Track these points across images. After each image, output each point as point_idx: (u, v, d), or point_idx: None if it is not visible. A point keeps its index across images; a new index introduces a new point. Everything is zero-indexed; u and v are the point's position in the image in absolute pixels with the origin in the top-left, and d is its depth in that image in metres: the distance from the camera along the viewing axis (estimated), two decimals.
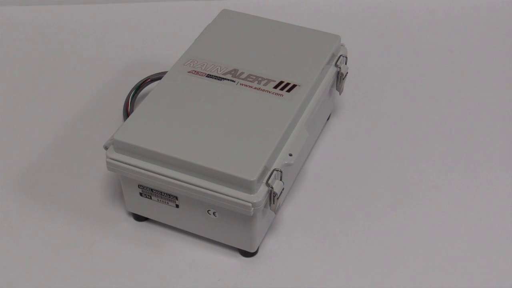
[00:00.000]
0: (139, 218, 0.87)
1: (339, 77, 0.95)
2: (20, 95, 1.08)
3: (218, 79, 0.87)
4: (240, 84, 0.86)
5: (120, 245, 0.85)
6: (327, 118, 1.02)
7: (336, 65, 0.93)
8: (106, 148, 0.81)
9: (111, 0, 1.28)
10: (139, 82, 1.02)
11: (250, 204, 0.74)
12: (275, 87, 0.86)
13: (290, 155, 0.80)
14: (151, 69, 1.06)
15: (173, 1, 1.29)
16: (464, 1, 1.27)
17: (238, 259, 0.83)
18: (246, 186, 0.74)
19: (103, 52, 1.17)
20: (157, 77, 1.02)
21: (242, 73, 0.88)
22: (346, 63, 0.96)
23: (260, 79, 0.87)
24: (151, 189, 0.81)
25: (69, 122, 1.02)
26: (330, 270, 0.82)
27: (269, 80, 0.87)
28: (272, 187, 0.76)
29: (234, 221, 0.78)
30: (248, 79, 0.87)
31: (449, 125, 1.02)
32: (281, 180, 0.78)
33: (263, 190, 0.75)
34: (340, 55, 0.94)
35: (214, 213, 0.79)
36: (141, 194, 0.82)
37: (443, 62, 1.15)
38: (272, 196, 0.77)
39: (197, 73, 0.88)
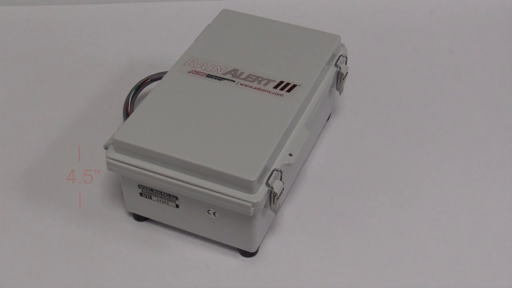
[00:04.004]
0: (139, 218, 0.87)
1: (339, 77, 0.95)
2: (20, 95, 1.08)
3: (218, 79, 0.87)
4: (240, 84, 0.86)
5: (120, 245, 0.85)
6: (327, 118, 1.02)
7: (336, 65, 0.94)
8: (106, 148, 0.81)
9: (111, 0, 1.28)
10: (139, 82, 1.02)
11: (250, 204, 0.74)
12: (275, 87, 0.86)
13: (290, 155, 0.80)
14: (151, 69, 1.06)
15: (173, 1, 1.29)
16: (464, 1, 1.27)
17: (238, 259, 0.83)
18: (246, 186, 0.74)
19: (103, 52, 1.17)
20: (157, 77, 1.02)
21: (242, 73, 0.88)
22: (346, 63, 0.96)
23: (260, 79, 0.87)
24: (151, 189, 0.81)
25: (69, 122, 1.02)
26: (330, 270, 0.82)
27: (269, 80, 0.87)
28: (272, 187, 0.76)
29: (234, 221, 0.78)
30: (248, 79, 0.87)
31: (449, 125, 1.02)
32: (281, 180, 0.78)
33: (263, 190, 0.75)
34: (340, 55, 0.95)
35: (214, 213, 0.79)
36: (141, 194, 0.82)
37: (443, 62, 1.15)
38: (272, 196, 0.77)
39: (197, 73, 0.88)
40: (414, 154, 0.97)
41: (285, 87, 0.86)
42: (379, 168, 0.95)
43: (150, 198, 0.82)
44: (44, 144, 0.98)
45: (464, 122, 1.03)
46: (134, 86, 1.02)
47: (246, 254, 0.83)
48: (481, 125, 1.02)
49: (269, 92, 0.85)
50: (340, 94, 1.00)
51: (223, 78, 0.87)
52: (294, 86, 0.86)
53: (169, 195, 0.80)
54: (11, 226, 0.87)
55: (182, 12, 1.27)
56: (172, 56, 0.94)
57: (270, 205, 0.78)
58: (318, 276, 0.82)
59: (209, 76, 0.88)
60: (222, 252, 0.84)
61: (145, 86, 1.03)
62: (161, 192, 0.81)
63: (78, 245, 0.84)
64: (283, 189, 0.78)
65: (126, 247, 0.84)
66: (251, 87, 0.86)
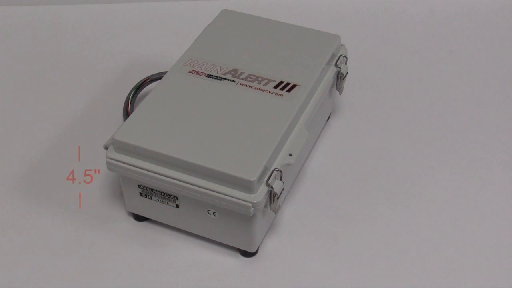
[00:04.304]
0: (139, 218, 0.87)
1: (339, 77, 0.95)
2: (20, 95, 1.08)
3: (218, 79, 0.87)
4: (240, 84, 0.86)
5: (120, 245, 0.85)
6: (327, 118, 1.02)
7: (336, 65, 0.94)
8: (106, 148, 0.81)
9: (111, 0, 1.28)
10: (139, 82, 1.02)
11: (250, 204, 0.74)
12: (275, 87, 0.86)
13: (290, 155, 0.80)
14: (151, 69, 1.06)
15: (173, 1, 1.29)
16: (464, 1, 1.27)
17: (238, 259, 0.83)
18: (246, 186, 0.74)
19: (103, 52, 1.17)
20: (157, 77, 1.02)
21: (242, 73, 0.88)
22: (346, 63, 0.96)
23: (260, 79, 0.87)
24: (151, 189, 0.81)
25: (70, 122, 1.02)
26: (330, 270, 0.82)
27: (269, 80, 0.87)
28: (272, 187, 0.76)
29: (234, 221, 0.78)
30: (248, 79, 0.87)
31: (449, 125, 1.02)
32: (281, 180, 0.78)
33: (263, 190, 0.75)
34: (340, 55, 0.94)
35: (214, 213, 0.79)
36: (141, 194, 0.82)
37: (443, 62, 1.15)
38: (272, 196, 0.77)
39: (197, 73, 0.88)
40: (414, 154, 0.97)
41: (285, 87, 0.86)
42: (379, 168, 0.95)
43: (150, 198, 0.82)
44: (44, 144, 0.98)
45: (464, 121, 1.03)
46: (134, 86, 1.02)
47: (246, 254, 0.83)
48: (481, 125, 1.02)
49: (269, 92, 0.85)
50: (340, 94, 1.00)
51: (223, 78, 0.87)
52: (294, 86, 0.86)
53: (169, 195, 0.80)
54: (11, 226, 0.87)
55: (182, 12, 1.27)
56: (172, 56, 0.94)
57: (270, 205, 0.78)
58: (318, 276, 0.82)
59: (209, 76, 0.88)
60: (222, 252, 0.84)
61: (145, 86, 1.03)
62: (161, 192, 0.81)
63: (78, 245, 0.84)
64: (283, 189, 0.78)
65: (126, 247, 0.84)
66: (251, 87, 0.86)
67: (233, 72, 0.88)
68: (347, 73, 0.95)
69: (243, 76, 0.87)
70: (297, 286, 0.81)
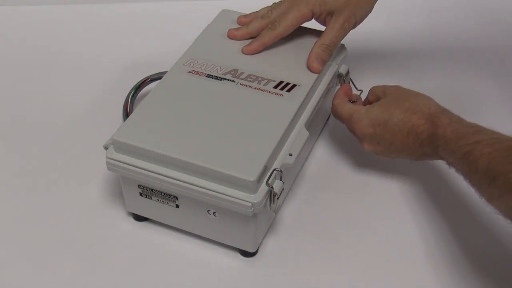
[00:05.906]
0: (139, 218, 0.87)
1: (339, 77, 0.95)
2: (20, 95, 1.08)
3: (218, 79, 0.87)
4: (240, 84, 0.86)
5: (120, 245, 0.85)
6: (327, 118, 1.02)
7: (336, 64, 0.94)
8: (106, 148, 0.81)
9: (111, 0, 1.28)
10: (139, 82, 1.02)
11: (250, 204, 0.74)
12: (275, 87, 0.86)
13: (290, 155, 0.80)
14: (151, 69, 1.06)
15: (173, 1, 1.29)
16: (464, 1, 1.27)
17: (238, 259, 0.83)
18: (246, 186, 0.74)
19: (103, 52, 1.17)
20: (157, 77, 1.02)
21: (242, 73, 0.88)
22: (346, 63, 0.96)
23: (260, 79, 0.87)
24: (151, 189, 0.81)
25: (69, 122, 1.02)
26: (330, 270, 0.82)
27: (269, 80, 0.87)
28: (272, 187, 0.76)
29: (234, 221, 0.78)
30: (248, 79, 0.87)
31: None
32: (281, 180, 0.78)
33: (263, 190, 0.75)
34: (340, 55, 0.95)
35: (214, 213, 0.79)
36: (141, 194, 0.82)
37: (443, 62, 1.15)
38: (272, 196, 0.77)
39: (197, 73, 0.88)
40: None
41: (285, 87, 0.86)
42: (379, 168, 0.95)
43: (150, 198, 0.82)
44: (44, 143, 0.98)
45: None
46: (134, 86, 1.02)
47: (246, 254, 0.83)
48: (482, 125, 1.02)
49: (269, 92, 0.85)
50: None
51: (223, 78, 0.87)
52: (294, 86, 0.86)
53: (169, 195, 0.80)
54: (11, 226, 0.87)
55: (182, 12, 1.27)
56: (172, 56, 0.94)
57: (270, 205, 0.78)
58: (318, 276, 0.82)
59: (209, 76, 0.88)
60: (222, 252, 0.84)
61: (145, 86, 1.03)
62: (161, 192, 0.81)
63: (78, 245, 0.84)
64: (283, 189, 0.78)
65: (126, 247, 0.84)
66: (251, 87, 0.86)
67: (233, 72, 0.88)
68: (347, 73, 0.95)
69: (243, 76, 0.87)
70: (297, 286, 0.81)
